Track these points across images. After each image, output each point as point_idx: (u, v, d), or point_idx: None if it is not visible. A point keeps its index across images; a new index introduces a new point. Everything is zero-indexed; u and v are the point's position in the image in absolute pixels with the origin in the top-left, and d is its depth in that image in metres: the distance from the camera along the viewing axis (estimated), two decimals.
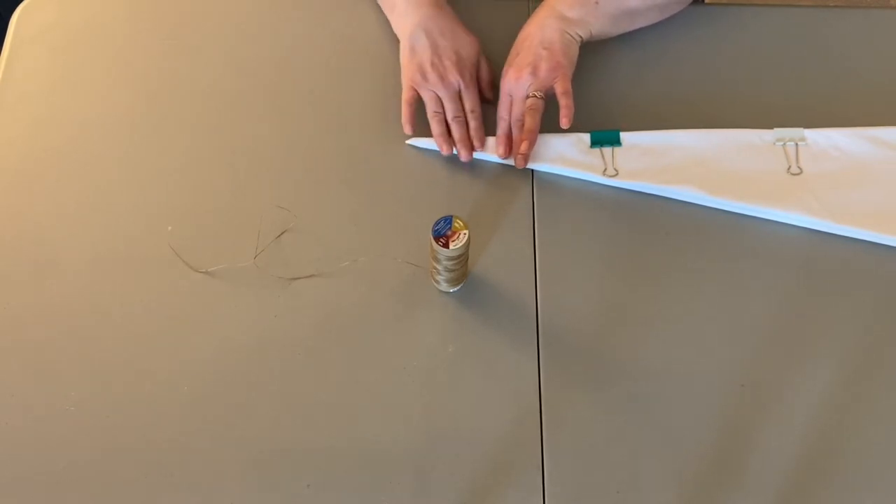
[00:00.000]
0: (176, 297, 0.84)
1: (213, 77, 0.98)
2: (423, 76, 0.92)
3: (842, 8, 1.04)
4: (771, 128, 0.93)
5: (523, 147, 0.89)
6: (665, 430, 0.77)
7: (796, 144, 0.92)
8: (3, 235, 0.87)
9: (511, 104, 0.92)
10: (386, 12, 0.99)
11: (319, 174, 0.92)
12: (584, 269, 0.86)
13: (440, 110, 0.92)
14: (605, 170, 0.90)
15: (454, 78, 0.92)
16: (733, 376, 0.80)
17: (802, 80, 0.98)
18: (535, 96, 0.89)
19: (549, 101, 0.91)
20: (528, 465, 0.76)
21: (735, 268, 0.86)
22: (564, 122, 0.89)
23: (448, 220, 0.77)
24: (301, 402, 0.79)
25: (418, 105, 0.93)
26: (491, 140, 0.92)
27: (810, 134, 0.93)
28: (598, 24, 0.93)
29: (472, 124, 0.92)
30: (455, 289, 0.84)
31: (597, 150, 0.92)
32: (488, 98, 0.96)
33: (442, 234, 0.77)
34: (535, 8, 1.03)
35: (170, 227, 0.88)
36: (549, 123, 0.93)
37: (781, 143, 0.92)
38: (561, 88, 0.89)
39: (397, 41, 0.97)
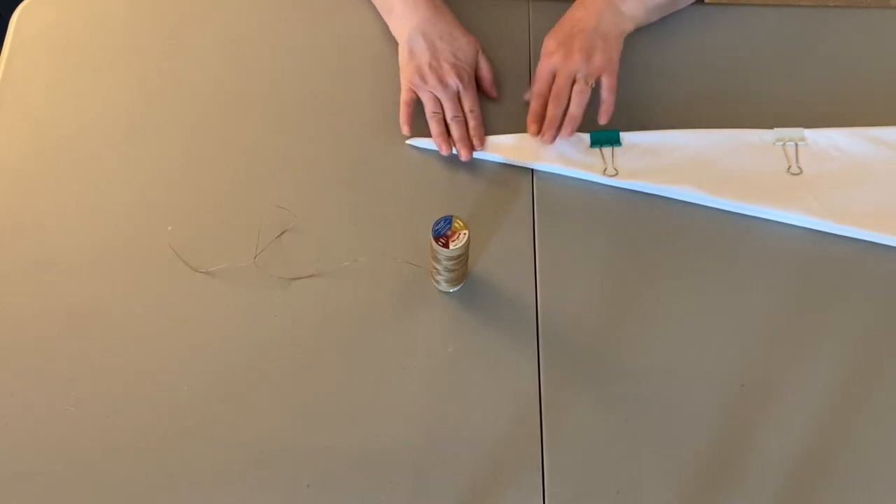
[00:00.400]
0: (176, 297, 0.84)
1: (214, 77, 0.98)
2: (422, 78, 0.92)
3: (842, 8, 1.04)
4: (771, 128, 0.93)
5: (566, 131, 0.90)
6: (665, 430, 0.77)
7: (796, 144, 0.92)
8: (3, 235, 0.87)
9: (552, 82, 0.91)
10: (383, 15, 0.99)
11: (319, 174, 0.92)
12: (584, 269, 0.86)
13: (439, 111, 0.92)
14: (605, 169, 0.90)
15: (452, 80, 0.92)
16: (733, 376, 0.80)
17: (802, 80, 0.98)
18: (586, 82, 0.89)
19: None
20: (528, 465, 0.76)
21: (735, 268, 0.86)
22: (604, 119, 0.90)
23: (448, 220, 0.77)
24: (301, 402, 0.79)
25: (417, 106, 0.94)
26: (492, 139, 0.92)
27: (810, 134, 0.93)
28: (644, 17, 0.95)
29: (472, 124, 0.92)
30: (455, 289, 0.84)
31: (597, 150, 0.92)
32: (492, 97, 0.96)
33: (442, 234, 0.77)
34: (535, 8, 1.03)
35: (170, 227, 0.88)
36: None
37: (781, 143, 0.92)
38: (608, 84, 0.90)
39: (397, 41, 0.97)
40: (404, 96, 0.93)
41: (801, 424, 0.78)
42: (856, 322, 0.83)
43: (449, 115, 0.92)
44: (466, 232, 0.77)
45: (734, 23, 1.03)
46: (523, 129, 0.93)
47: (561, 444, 0.77)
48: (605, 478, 0.75)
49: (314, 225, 0.88)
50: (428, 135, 0.92)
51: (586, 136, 0.93)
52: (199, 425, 0.78)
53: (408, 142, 0.93)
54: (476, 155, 0.92)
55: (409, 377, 0.80)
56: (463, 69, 0.93)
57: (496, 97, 0.96)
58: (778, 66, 0.99)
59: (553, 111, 0.90)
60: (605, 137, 0.92)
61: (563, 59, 0.90)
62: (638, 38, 0.98)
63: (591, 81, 0.89)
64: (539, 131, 0.91)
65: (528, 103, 0.94)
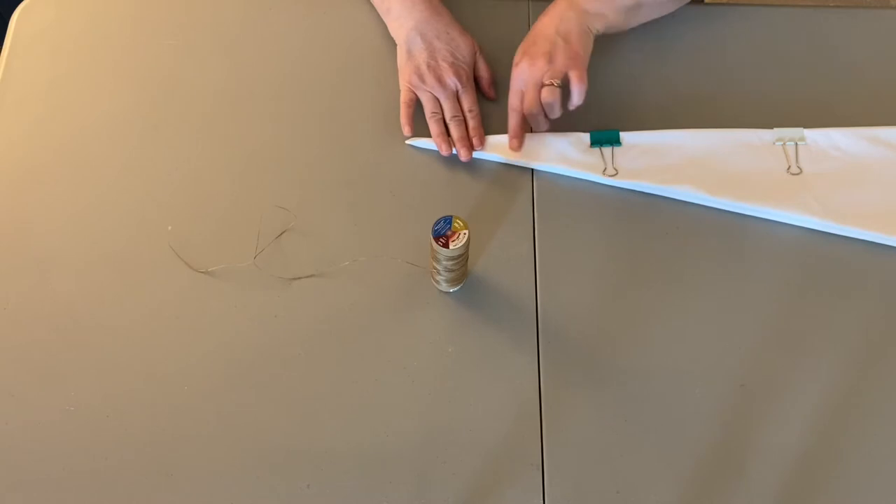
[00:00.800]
0: (176, 297, 0.84)
1: (214, 77, 0.98)
2: (421, 78, 0.92)
3: (842, 8, 1.04)
4: (771, 128, 0.93)
5: (543, 128, 0.90)
6: (665, 430, 0.77)
7: (796, 144, 0.92)
8: (3, 235, 0.87)
9: (523, 95, 0.90)
10: (382, 15, 0.99)
11: (319, 174, 0.92)
12: (584, 268, 0.86)
13: (438, 111, 0.92)
14: (605, 169, 0.90)
15: (451, 79, 0.92)
16: (733, 376, 0.80)
17: (802, 80, 0.98)
18: (552, 84, 0.87)
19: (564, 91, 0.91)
20: (528, 465, 0.76)
21: (735, 268, 0.86)
22: (574, 102, 0.89)
23: (448, 220, 0.77)
24: (301, 402, 0.79)
25: (416, 106, 0.94)
26: (491, 139, 0.92)
27: (810, 134, 0.93)
28: (613, 17, 0.93)
29: (471, 123, 0.92)
30: (455, 289, 0.84)
31: (597, 150, 0.92)
32: (490, 97, 0.96)
33: (442, 234, 0.77)
34: (535, 8, 1.03)
35: (170, 227, 0.88)
36: (549, 124, 0.93)
37: (781, 142, 0.92)
38: (576, 76, 0.88)
39: (397, 45, 0.97)
40: (403, 96, 0.93)
41: (801, 424, 0.78)
42: (856, 322, 0.83)
43: (448, 116, 0.92)
44: (466, 232, 0.77)
45: (734, 23, 1.03)
46: (532, 129, 0.93)
47: (561, 444, 0.77)
48: (605, 478, 0.75)
49: (314, 225, 0.88)
50: (427, 135, 0.92)
51: (586, 136, 0.93)
52: (198, 425, 0.78)
53: (408, 142, 0.93)
54: (476, 155, 0.92)
55: (409, 377, 0.80)
56: (461, 69, 0.93)
57: (494, 97, 0.96)
58: (778, 66, 0.99)
59: (532, 126, 0.92)
60: (605, 137, 0.92)
61: (528, 66, 0.89)
62: (638, 38, 0.98)
63: (557, 81, 0.88)
64: (518, 146, 0.91)
65: None
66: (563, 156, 0.91)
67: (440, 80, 0.92)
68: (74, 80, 0.98)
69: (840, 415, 0.78)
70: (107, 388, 0.79)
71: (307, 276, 0.85)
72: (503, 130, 0.93)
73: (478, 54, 0.96)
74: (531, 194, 0.90)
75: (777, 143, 0.92)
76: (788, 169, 0.91)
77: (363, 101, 0.96)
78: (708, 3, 1.06)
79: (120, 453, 0.76)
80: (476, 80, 0.96)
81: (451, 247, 0.76)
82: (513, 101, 0.91)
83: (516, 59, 0.91)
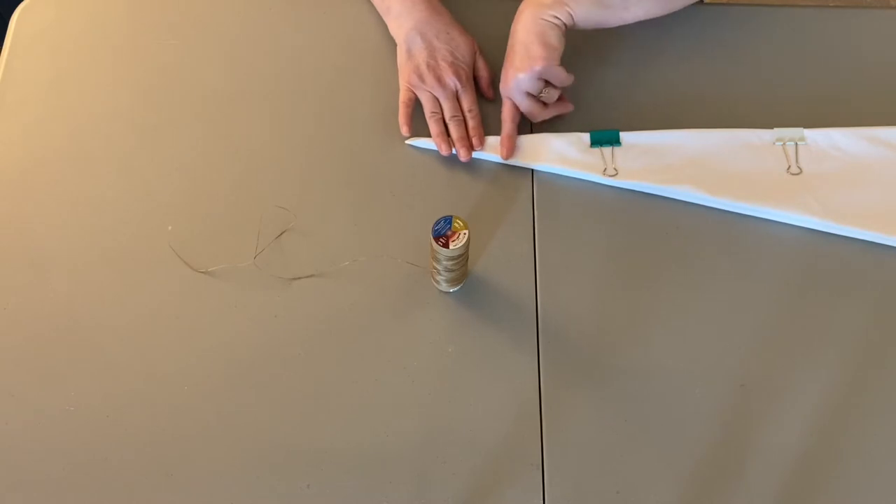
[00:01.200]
0: (176, 297, 0.84)
1: (214, 77, 0.98)
2: (420, 78, 0.92)
3: (842, 8, 1.04)
4: (771, 128, 0.93)
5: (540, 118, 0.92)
6: (665, 430, 0.77)
7: (796, 144, 0.92)
8: (3, 235, 0.87)
9: (511, 106, 0.92)
10: (382, 14, 0.99)
11: (319, 174, 0.92)
12: (584, 268, 0.86)
13: (438, 111, 0.93)
14: (605, 169, 0.90)
15: (451, 79, 0.92)
16: (733, 376, 0.80)
17: (802, 80, 0.98)
18: (538, 97, 0.90)
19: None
20: (528, 465, 0.76)
21: (735, 268, 0.86)
22: (562, 84, 0.90)
23: (448, 220, 0.77)
24: (301, 402, 0.79)
25: (416, 106, 0.94)
26: (491, 139, 0.92)
27: (810, 134, 0.93)
28: (578, 6, 0.89)
29: (471, 123, 0.92)
30: (455, 289, 0.84)
31: (597, 150, 0.92)
32: (489, 97, 0.96)
33: (442, 234, 0.77)
34: None
35: (170, 227, 0.88)
36: (549, 124, 0.93)
37: (781, 142, 0.92)
38: (556, 76, 0.88)
39: (396, 43, 0.97)
40: (403, 96, 0.93)
41: (801, 424, 0.78)
42: (856, 322, 0.83)
43: (447, 115, 0.92)
44: (466, 232, 0.77)
45: (734, 23, 1.03)
46: (522, 130, 0.93)
47: (561, 444, 0.77)
48: (605, 478, 0.75)
49: (314, 225, 0.88)
50: (427, 135, 0.92)
51: (586, 136, 0.93)
52: (198, 425, 0.78)
53: (408, 142, 0.93)
54: (476, 155, 0.92)
55: (409, 377, 0.80)
56: (461, 68, 0.93)
57: (493, 97, 0.96)
58: (778, 66, 0.99)
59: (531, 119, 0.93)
60: (605, 137, 0.92)
61: (504, 81, 0.91)
62: (638, 38, 0.98)
63: (542, 92, 0.89)
64: (509, 155, 0.91)
65: None
66: (563, 156, 0.91)
67: (440, 80, 0.92)
68: (74, 80, 0.98)
69: (840, 415, 0.78)
70: (107, 388, 0.79)
71: (307, 276, 0.85)
72: (495, 129, 0.93)
73: (477, 54, 0.96)
74: (531, 194, 0.90)
75: (777, 143, 0.92)
76: (788, 169, 0.91)
77: (363, 101, 0.96)
78: (708, 3, 1.06)
79: (120, 453, 0.76)
80: (475, 80, 0.96)
81: (451, 247, 0.76)
82: (502, 112, 0.92)
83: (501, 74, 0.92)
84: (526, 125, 0.94)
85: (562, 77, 0.89)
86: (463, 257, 0.79)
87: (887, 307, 0.84)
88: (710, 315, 0.83)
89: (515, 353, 0.81)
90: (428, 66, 0.92)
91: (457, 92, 0.93)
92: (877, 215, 0.87)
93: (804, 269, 0.86)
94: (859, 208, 0.87)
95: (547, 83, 0.90)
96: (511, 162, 0.91)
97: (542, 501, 0.74)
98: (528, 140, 0.92)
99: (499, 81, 0.93)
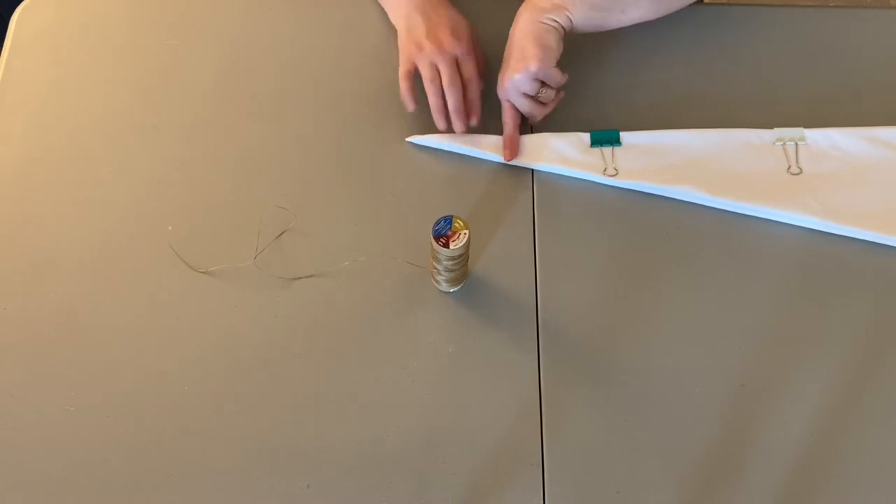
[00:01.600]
0: (176, 297, 0.84)
1: (213, 77, 0.98)
2: (420, 47, 0.91)
3: (842, 8, 1.04)
4: (771, 128, 0.93)
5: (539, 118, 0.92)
6: (665, 430, 0.77)
7: (796, 144, 0.92)
8: (2, 235, 0.87)
9: (510, 108, 0.91)
10: (382, 4, 0.99)
11: (319, 174, 0.92)
12: (585, 268, 0.86)
13: (437, 78, 0.90)
14: (605, 169, 0.90)
15: (451, 45, 0.90)
16: (733, 376, 0.80)
17: (802, 80, 0.98)
18: (537, 99, 0.90)
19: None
20: (528, 465, 0.76)
21: (735, 268, 0.86)
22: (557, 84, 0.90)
23: (448, 220, 0.77)
24: (301, 402, 0.79)
25: (418, 80, 0.92)
26: (491, 139, 0.92)
27: (810, 134, 0.93)
28: (577, 11, 0.89)
29: (470, 94, 0.91)
30: (455, 289, 0.84)
31: (597, 150, 0.92)
32: (480, 87, 0.94)
33: (442, 234, 0.77)
34: None
35: (170, 227, 0.88)
36: (549, 123, 0.93)
37: (781, 142, 0.92)
38: (539, 75, 0.87)
39: (396, 40, 0.97)
40: (402, 70, 0.91)
41: (802, 424, 0.78)
42: (856, 322, 0.83)
43: (446, 81, 0.90)
44: (466, 232, 0.77)
45: (734, 23, 1.03)
46: (522, 130, 0.93)
47: (561, 444, 0.77)
48: (605, 478, 0.75)
49: (314, 225, 0.88)
50: (431, 125, 0.92)
51: (586, 136, 0.93)
52: (198, 425, 0.78)
53: (408, 139, 0.93)
54: (476, 154, 0.92)
55: (409, 377, 0.80)
56: (461, 37, 0.92)
57: (484, 87, 0.94)
58: (778, 66, 0.99)
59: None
60: (605, 137, 0.92)
61: (501, 82, 0.90)
62: (638, 38, 0.98)
63: (540, 92, 0.89)
64: (511, 157, 0.91)
65: None
66: (563, 156, 0.91)
67: (440, 48, 0.90)
68: (74, 80, 0.98)
69: (840, 415, 0.78)
70: (107, 388, 0.79)
71: (307, 276, 0.85)
72: (495, 128, 0.92)
73: (475, 37, 0.95)
74: (531, 194, 0.90)
75: (777, 143, 0.92)
76: (788, 169, 0.91)
77: (363, 100, 0.96)
78: (708, 3, 1.06)
79: (120, 453, 0.76)
80: None
81: (451, 247, 0.76)
82: (503, 115, 0.92)
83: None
84: (526, 125, 0.94)
85: (557, 78, 0.89)
86: (463, 257, 0.79)
87: (887, 307, 0.84)
88: (710, 315, 0.83)
89: (515, 353, 0.81)
90: (427, 35, 0.91)
91: (457, 58, 0.91)
92: (877, 215, 0.87)
93: (804, 269, 0.86)
94: (859, 208, 0.87)
95: (543, 84, 0.89)
96: (511, 162, 0.91)
97: (542, 501, 0.74)
98: (528, 140, 0.92)
99: (495, 81, 0.92)
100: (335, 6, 1.03)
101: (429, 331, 0.82)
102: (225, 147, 0.93)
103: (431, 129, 0.93)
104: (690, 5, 1.01)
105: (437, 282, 0.83)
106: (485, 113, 0.94)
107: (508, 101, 0.91)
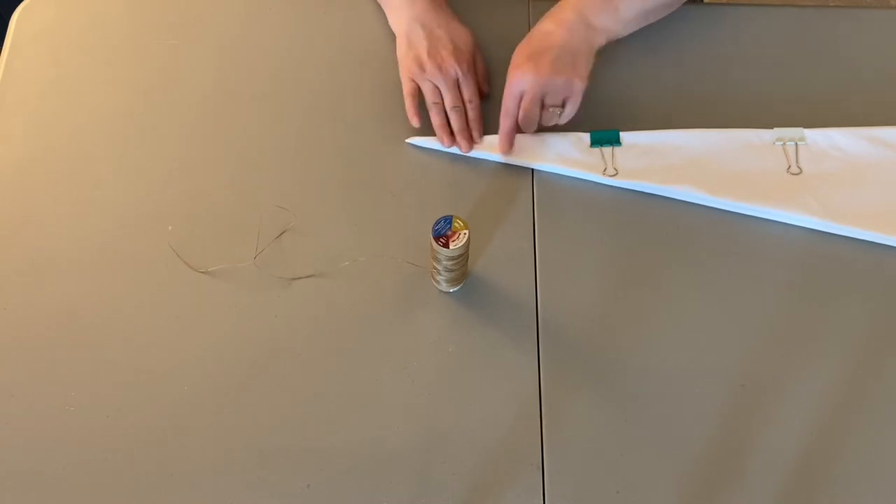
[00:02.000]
0: (176, 297, 0.84)
1: (213, 77, 0.98)
2: (421, 67, 0.92)
3: (842, 8, 1.04)
4: (771, 128, 0.93)
5: (532, 129, 0.91)
6: (665, 430, 0.77)
7: (796, 144, 0.92)
8: (2, 235, 0.87)
9: (521, 100, 0.89)
10: (383, 7, 1.00)
11: (319, 174, 0.92)
12: (585, 268, 0.86)
13: (439, 100, 0.92)
14: (605, 169, 0.90)
15: (452, 67, 0.92)
16: (733, 376, 0.80)
17: (802, 80, 0.98)
18: (553, 110, 0.89)
19: None
20: (528, 465, 0.76)
21: (735, 267, 0.86)
22: (563, 120, 0.90)
23: (448, 220, 0.77)
24: (301, 401, 0.79)
25: (421, 97, 0.93)
26: (490, 138, 0.92)
27: (810, 134, 0.93)
28: (617, 30, 0.92)
29: (471, 115, 0.92)
30: (455, 289, 0.84)
31: (597, 150, 0.92)
32: (484, 92, 0.96)
33: (442, 234, 0.77)
34: (535, 7, 1.03)
35: (170, 227, 0.88)
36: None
37: (781, 142, 0.92)
38: (568, 112, 0.89)
39: (396, 43, 0.97)
40: (406, 88, 0.93)
41: (802, 424, 0.78)
42: (856, 322, 0.83)
43: (449, 105, 0.92)
44: (466, 232, 0.77)
45: (734, 23, 1.03)
46: (521, 130, 0.93)
47: (561, 444, 0.77)
48: (605, 478, 0.75)
49: (314, 225, 0.88)
50: (425, 133, 0.92)
51: (586, 136, 0.93)
52: (199, 425, 0.78)
53: (408, 141, 0.93)
54: (476, 154, 0.92)
55: (409, 377, 0.80)
56: (462, 56, 0.93)
57: (488, 93, 0.96)
58: (778, 66, 0.99)
59: (523, 128, 0.91)
60: (605, 137, 0.92)
61: (532, 75, 0.87)
62: (638, 38, 0.98)
63: (558, 110, 0.89)
64: (508, 150, 0.91)
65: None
66: (563, 156, 0.91)
67: (441, 68, 0.92)
68: (74, 79, 0.98)
69: (840, 414, 0.78)
70: (107, 388, 0.79)
71: (307, 276, 0.85)
72: (496, 128, 0.92)
73: (476, 48, 0.96)
74: (531, 194, 0.90)
75: (777, 143, 0.92)
76: (788, 169, 0.91)
77: (363, 100, 0.96)
78: (708, 3, 1.06)
79: (120, 453, 0.76)
80: None
81: (451, 247, 0.76)
82: (509, 104, 0.89)
83: (518, 60, 0.89)
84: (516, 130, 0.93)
85: (574, 108, 0.89)
86: (463, 257, 0.79)
87: (887, 307, 0.84)
88: (710, 315, 0.83)
89: (515, 353, 0.81)
90: (429, 54, 0.92)
91: (458, 80, 0.93)
92: (877, 215, 0.87)
93: (804, 269, 0.86)
94: (859, 208, 0.87)
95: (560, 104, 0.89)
96: (511, 161, 0.91)
97: (542, 501, 0.74)
98: (528, 140, 0.92)
99: (496, 85, 0.92)
100: (335, 6, 1.03)
101: (429, 331, 0.82)
102: (225, 147, 0.93)
103: (431, 130, 0.93)
104: (690, 5, 1.01)
105: (437, 282, 0.83)
106: (483, 113, 0.94)
107: (519, 93, 0.89)
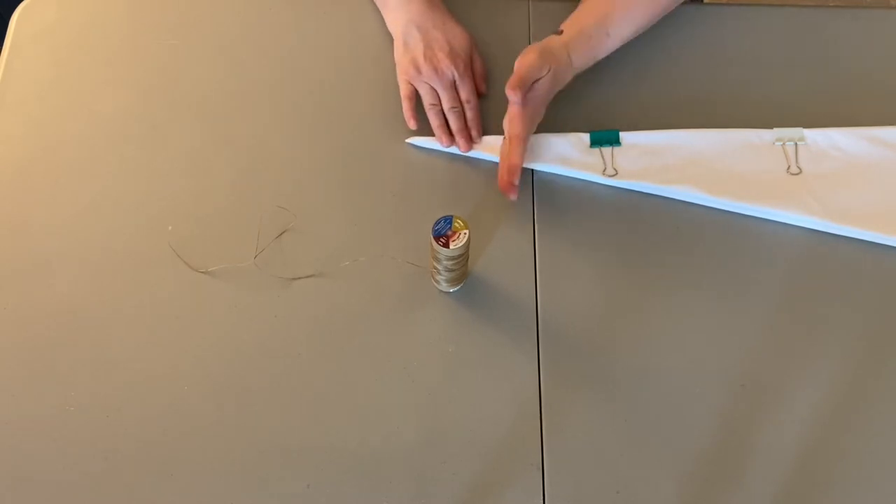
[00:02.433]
0: (176, 297, 0.84)
1: (214, 77, 0.98)
2: (417, 69, 0.92)
3: (842, 8, 1.04)
4: (771, 128, 0.93)
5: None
6: (665, 430, 0.77)
7: (796, 144, 0.92)
8: (2, 235, 0.87)
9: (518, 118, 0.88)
10: (379, 8, 1.00)
11: (319, 174, 0.92)
12: (584, 268, 0.86)
13: (437, 102, 0.93)
14: (605, 169, 0.90)
15: (448, 68, 0.92)
16: (733, 376, 0.80)
17: (802, 80, 0.98)
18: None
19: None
20: (528, 465, 0.76)
21: (735, 268, 0.86)
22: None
23: (448, 220, 0.77)
24: (301, 402, 0.79)
25: (418, 99, 0.94)
26: (490, 139, 0.92)
27: (810, 134, 0.93)
28: (577, 58, 0.91)
29: (469, 115, 0.92)
30: (455, 289, 0.84)
31: (596, 150, 0.92)
32: (481, 91, 0.96)
33: (442, 233, 0.77)
34: (535, 8, 1.03)
35: (170, 227, 0.88)
36: (549, 124, 0.93)
37: (781, 142, 0.92)
38: (533, 61, 0.86)
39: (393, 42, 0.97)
40: (403, 91, 0.94)
41: (802, 424, 0.78)
42: (856, 322, 0.83)
43: (446, 106, 0.92)
44: (467, 232, 0.77)
45: (734, 23, 1.03)
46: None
47: (561, 444, 0.77)
48: (605, 478, 0.75)
49: (314, 225, 0.88)
50: (431, 130, 0.92)
51: (586, 136, 0.93)
52: (199, 425, 0.78)
53: (408, 140, 0.93)
54: (477, 155, 0.92)
55: (409, 377, 0.80)
56: (458, 57, 0.93)
57: (485, 92, 0.96)
58: (778, 66, 0.99)
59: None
60: (604, 137, 0.92)
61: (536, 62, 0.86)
62: (638, 38, 0.98)
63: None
64: (516, 191, 0.89)
65: None
66: (563, 156, 0.91)
67: (437, 70, 0.92)
68: (74, 79, 0.98)
69: (840, 414, 0.78)
70: (107, 388, 0.79)
71: (307, 276, 0.85)
72: (498, 127, 0.92)
73: (473, 47, 0.96)
74: (531, 194, 0.90)
75: (777, 143, 0.92)
76: (788, 169, 0.91)
77: (363, 100, 0.96)
78: (708, 3, 1.06)
79: (120, 453, 0.76)
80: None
81: (451, 247, 0.76)
82: (517, 129, 0.87)
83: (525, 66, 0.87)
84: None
85: (520, 80, 0.85)
86: (463, 257, 0.79)
87: (887, 307, 0.84)
88: (710, 315, 0.83)
89: (515, 353, 0.81)
90: (425, 56, 0.92)
91: (454, 81, 0.93)
92: (877, 215, 0.87)
93: (804, 269, 0.86)
94: (859, 208, 0.87)
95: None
96: None
97: (542, 501, 0.74)
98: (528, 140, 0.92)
99: (495, 83, 0.92)
100: (335, 6, 1.03)
101: (429, 331, 0.82)
102: (225, 147, 0.93)
103: (431, 131, 0.93)
104: (691, 5, 1.01)
105: (437, 282, 0.83)
106: (483, 113, 0.94)
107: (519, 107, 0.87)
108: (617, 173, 0.90)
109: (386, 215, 0.89)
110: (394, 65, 0.97)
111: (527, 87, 0.85)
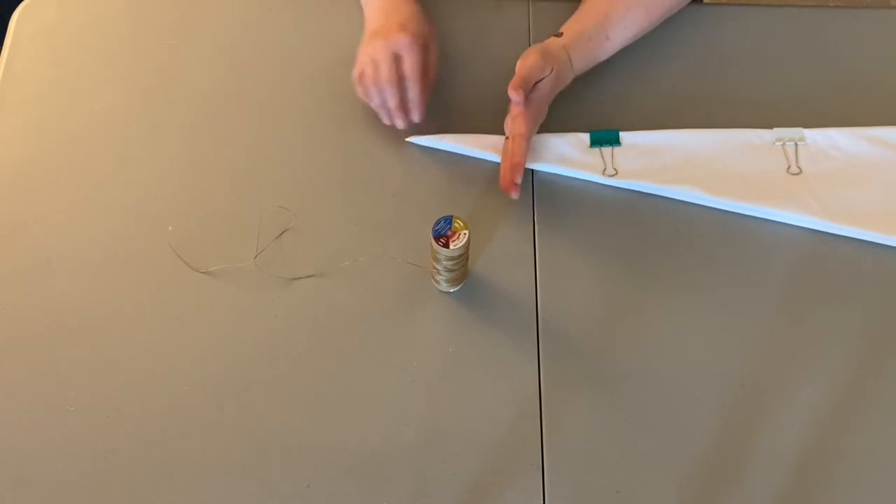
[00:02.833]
0: (176, 297, 0.84)
1: (214, 77, 0.98)
2: (370, 45, 0.89)
3: (842, 8, 1.04)
4: (771, 128, 0.93)
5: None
6: (665, 430, 0.77)
7: (796, 144, 0.92)
8: (3, 235, 0.87)
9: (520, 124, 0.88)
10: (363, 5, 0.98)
11: (319, 174, 0.92)
12: (584, 268, 0.86)
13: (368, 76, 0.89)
14: (605, 170, 0.90)
15: (392, 41, 0.87)
16: (733, 376, 0.80)
17: (802, 80, 0.98)
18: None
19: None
20: (528, 465, 0.76)
21: (735, 268, 0.86)
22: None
23: (448, 220, 0.77)
24: (301, 402, 0.79)
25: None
26: (491, 139, 0.92)
27: (810, 134, 0.93)
28: (574, 48, 0.92)
29: (409, 93, 0.89)
30: (455, 289, 0.84)
31: (596, 150, 0.92)
32: (431, 77, 0.91)
33: (442, 234, 0.77)
34: (535, 8, 1.03)
35: (170, 227, 0.88)
36: (549, 124, 0.93)
37: (781, 142, 0.92)
38: (533, 64, 0.87)
39: None
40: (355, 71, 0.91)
41: (802, 425, 0.78)
42: (856, 322, 0.83)
43: (372, 80, 0.88)
44: (466, 232, 0.77)
45: (734, 23, 1.03)
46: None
47: (561, 444, 0.77)
48: (605, 478, 0.75)
49: (314, 225, 0.88)
50: (429, 131, 0.92)
51: (586, 136, 0.93)
52: (199, 425, 0.78)
53: (408, 139, 0.93)
54: (476, 155, 0.92)
55: (409, 377, 0.80)
56: (408, 31, 0.87)
57: (434, 79, 0.92)
58: (778, 66, 0.99)
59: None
60: (604, 137, 0.92)
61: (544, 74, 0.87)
62: (638, 38, 0.98)
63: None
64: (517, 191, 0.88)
65: None
66: (563, 156, 0.91)
67: (383, 42, 0.87)
68: (74, 79, 0.98)
69: (840, 415, 0.78)
70: (107, 388, 0.79)
71: (307, 276, 0.85)
72: (495, 129, 0.92)
73: (433, 38, 0.92)
74: (531, 194, 0.90)
75: (777, 143, 0.92)
76: (788, 169, 0.91)
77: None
78: (708, 3, 1.06)
79: (120, 453, 0.76)
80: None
81: (451, 247, 0.76)
82: (521, 128, 0.86)
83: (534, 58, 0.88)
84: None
85: (520, 80, 0.85)
86: (463, 257, 0.79)
87: (887, 307, 0.84)
88: (710, 315, 0.83)
89: (515, 353, 0.81)
90: (377, 31, 0.89)
91: (397, 55, 0.87)
92: (877, 215, 0.87)
93: (804, 269, 0.86)
94: (859, 208, 0.87)
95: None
96: None
97: (542, 501, 0.74)
98: None
99: (503, 76, 0.90)
100: (335, 6, 1.03)
101: (429, 331, 0.82)
102: (225, 147, 0.93)
103: (431, 129, 0.93)
104: (690, 5, 1.01)
105: (437, 282, 0.83)
106: (483, 113, 0.94)
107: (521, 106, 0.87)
108: (617, 173, 0.90)
109: (386, 215, 0.89)
110: None
111: (529, 88, 0.86)
